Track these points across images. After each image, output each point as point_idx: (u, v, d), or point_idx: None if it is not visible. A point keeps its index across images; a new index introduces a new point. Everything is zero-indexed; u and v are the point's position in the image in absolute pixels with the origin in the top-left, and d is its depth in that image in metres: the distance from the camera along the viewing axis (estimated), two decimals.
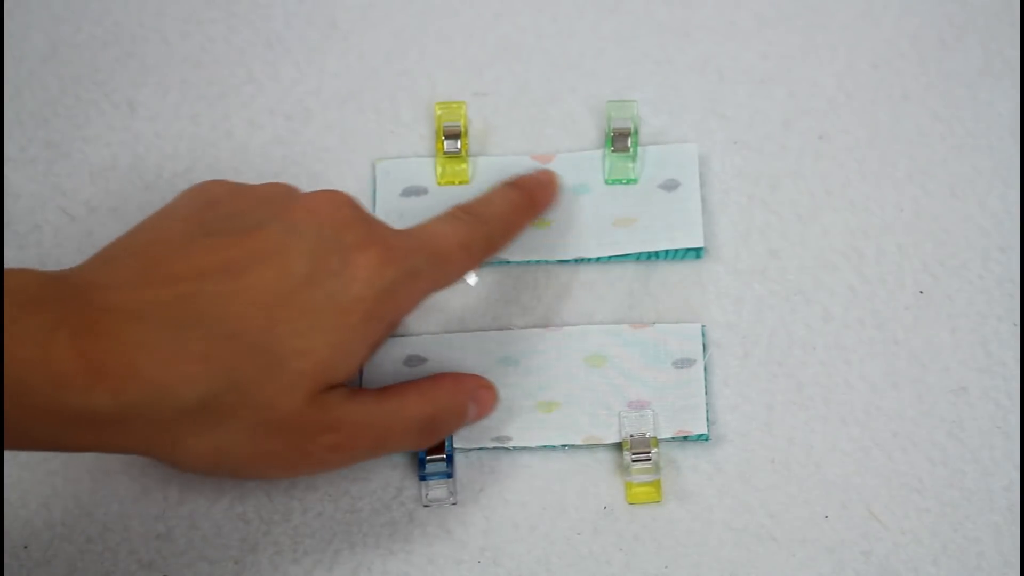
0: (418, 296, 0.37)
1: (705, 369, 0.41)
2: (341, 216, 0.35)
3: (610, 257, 0.43)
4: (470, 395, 0.39)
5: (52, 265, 0.43)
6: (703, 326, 0.42)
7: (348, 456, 0.37)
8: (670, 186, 0.44)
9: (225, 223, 0.35)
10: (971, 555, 0.38)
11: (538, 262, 0.43)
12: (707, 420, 0.40)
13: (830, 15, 0.47)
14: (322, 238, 0.35)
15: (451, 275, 0.38)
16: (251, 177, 0.43)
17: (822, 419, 0.40)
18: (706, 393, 0.41)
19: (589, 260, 0.43)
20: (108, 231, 0.43)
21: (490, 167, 0.44)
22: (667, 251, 0.43)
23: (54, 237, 0.44)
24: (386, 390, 0.38)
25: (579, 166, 0.44)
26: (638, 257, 0.43)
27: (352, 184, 0.45)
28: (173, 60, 0.47)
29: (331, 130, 0.46)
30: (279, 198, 0.36)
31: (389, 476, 0.40)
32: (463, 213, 0.39)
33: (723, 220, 0.44)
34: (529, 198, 0.42)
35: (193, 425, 0.33)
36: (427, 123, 0.46)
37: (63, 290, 0.33)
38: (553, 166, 0.44)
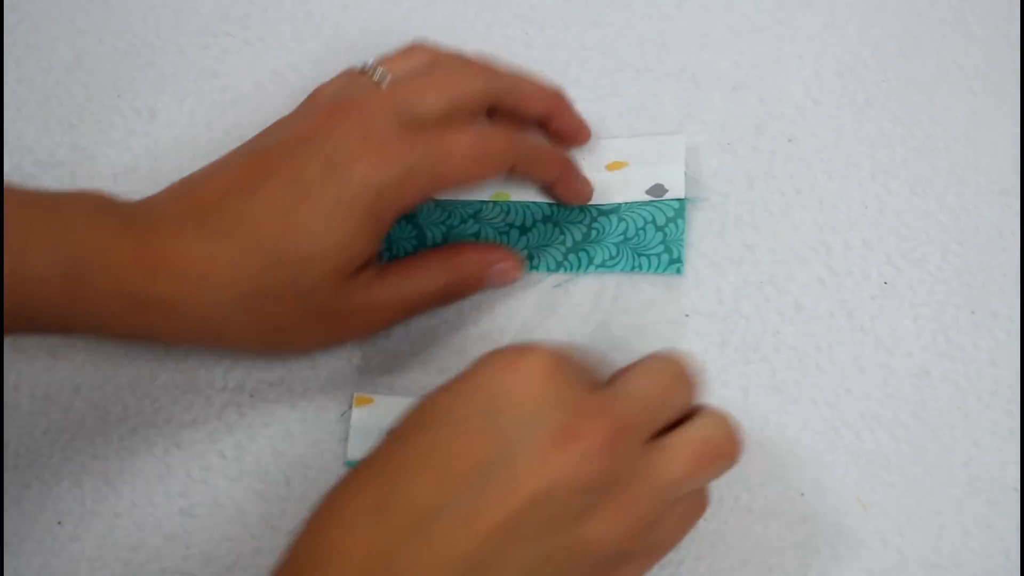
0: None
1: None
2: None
3: (597, 267, 0.43)
4: (491, 265, 0.41)
5: None
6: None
7: (382, 326, 0.40)
8: (657, 191, 0.44)
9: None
10: (933, 526, 0.39)
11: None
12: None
13: (797, 27, 0.48)
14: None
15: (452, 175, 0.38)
16: None
17: (794, 401, 0.41)
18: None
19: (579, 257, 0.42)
20: None
21: None
22: (649, 264, 0.42)
23: None
24: (409, 264, 0.40)
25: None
26: (623, 268, 0.43)
27: None
28: (189, 70, 0.48)
29: None
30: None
31: None
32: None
33: (700, 217, 0.44)
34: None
35: (241, 312, 0.36)
36: None
37: (125, 205, 0.37)
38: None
